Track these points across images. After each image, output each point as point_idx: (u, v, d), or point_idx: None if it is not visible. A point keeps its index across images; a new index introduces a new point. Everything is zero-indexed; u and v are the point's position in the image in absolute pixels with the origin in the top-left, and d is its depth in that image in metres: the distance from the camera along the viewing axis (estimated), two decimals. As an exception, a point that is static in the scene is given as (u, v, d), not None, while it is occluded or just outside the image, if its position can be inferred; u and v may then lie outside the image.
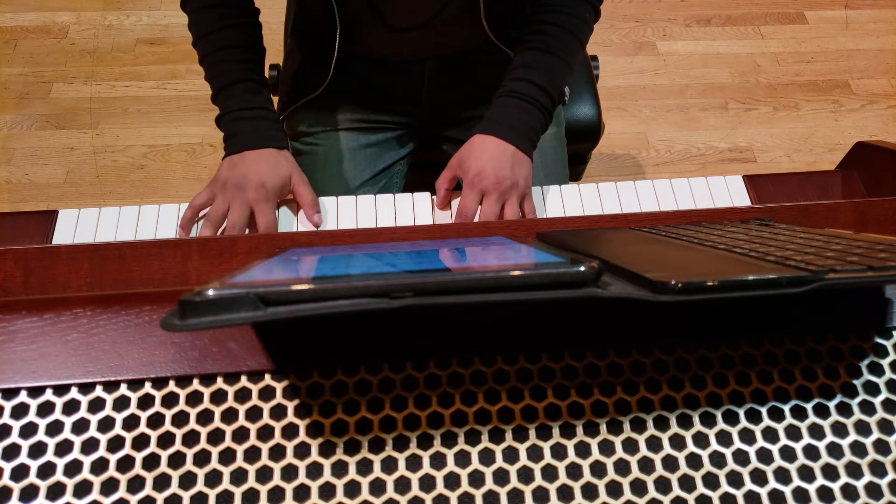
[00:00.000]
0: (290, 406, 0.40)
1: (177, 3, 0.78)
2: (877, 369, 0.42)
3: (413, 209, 0.72)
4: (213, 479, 0.38)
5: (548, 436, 0.40)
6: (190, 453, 0.38)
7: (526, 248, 0.43)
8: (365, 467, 0.38)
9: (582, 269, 0.33)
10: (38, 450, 0.38)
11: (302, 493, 0.38)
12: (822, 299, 0.44)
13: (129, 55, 1.79)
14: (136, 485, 0.37)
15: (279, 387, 0.40)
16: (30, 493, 0.37)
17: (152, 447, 0.38)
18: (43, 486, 0.37)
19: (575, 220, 0.62)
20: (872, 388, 0.42)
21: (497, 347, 0.42)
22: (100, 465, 0.38)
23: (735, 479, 0.39)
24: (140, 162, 1.62)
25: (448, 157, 0.78)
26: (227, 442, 0.39)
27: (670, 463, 0.39)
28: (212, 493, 0.37)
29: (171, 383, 0.40)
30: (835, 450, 0.40)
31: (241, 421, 0.39)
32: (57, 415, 0.39)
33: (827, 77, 1.85)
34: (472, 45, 0.86)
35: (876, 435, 0.41)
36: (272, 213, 0.71)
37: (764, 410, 0.41)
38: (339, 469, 0.38)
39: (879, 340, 0.43)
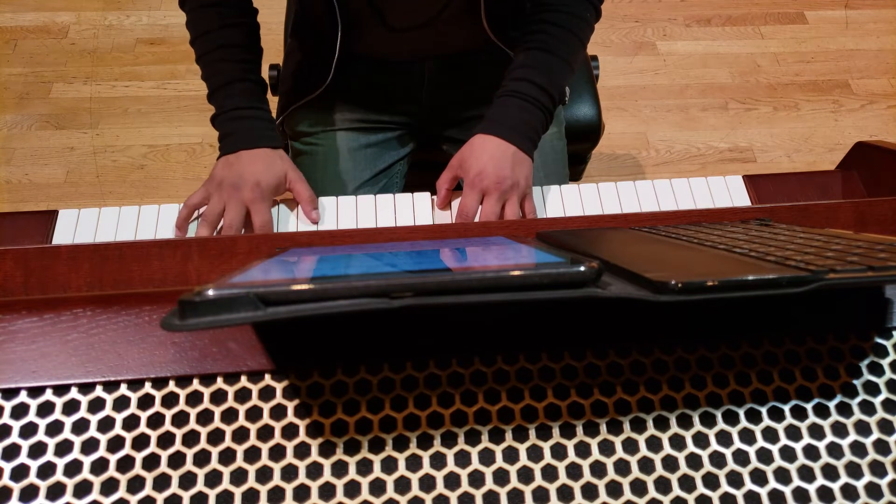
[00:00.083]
0: (290, 406, 0.40)
1: (176, 2, 0.78)
2: (877, 369, 0.42)
3: (413, 209, 0.72)
4: (213, 479, 0.38)
5: (548, 436, 0.40)
6: (190, 453, 0.38)
7: (526, 248, 0.43)
8: (365, 467, 0.38)
9: (582, 269, 0.33)
10: (38, 450, 0.38)
11: (302, 493, 0.38)
12: (822, 299, 0.44)
13: (129, 55, 1.79)
14: (136, 485, 0.37)
15: (279, 387, 0.40)
16: (30, 493, 0.37)
17: (152, 447, 0.38)
18: (43, 486, 0.37)
19: (575, 220, 0.62)
20: (872, 388, 0.42)
21: (497, 347, 0.42)
22: (100, 465, 0.38)
23: (735, 479, 0.39)
24: (140, 162, 1.62)
25: (448, 157, 0.78)
26: (227, 442, 0.39)
27: (670, 463, 0.39)
28: (212, 494, 0.37)
29: (171, 383, 0.40)
30: (835, 450, 0.40)
31: (241, 421, 0.39)
32: (57, 415, 0.39)
33: (827, 77, 1.85)
34: (473, 45, 0.86)
35: (876, 435, 0.41)
36: (268, 212, 0.71)
37: (764, 410, 0.41)
38: (339, 469, 0.38)
39: (879, 340, 0.43)
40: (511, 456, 0.39)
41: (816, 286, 0.33)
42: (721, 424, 0.40)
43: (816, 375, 0.42)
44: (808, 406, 0.41)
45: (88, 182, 1.58)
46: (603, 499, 0.38)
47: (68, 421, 0.39)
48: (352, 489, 0.38)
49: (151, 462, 0.38)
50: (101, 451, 0.38)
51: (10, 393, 0.39)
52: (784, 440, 0.40)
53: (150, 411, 0.39)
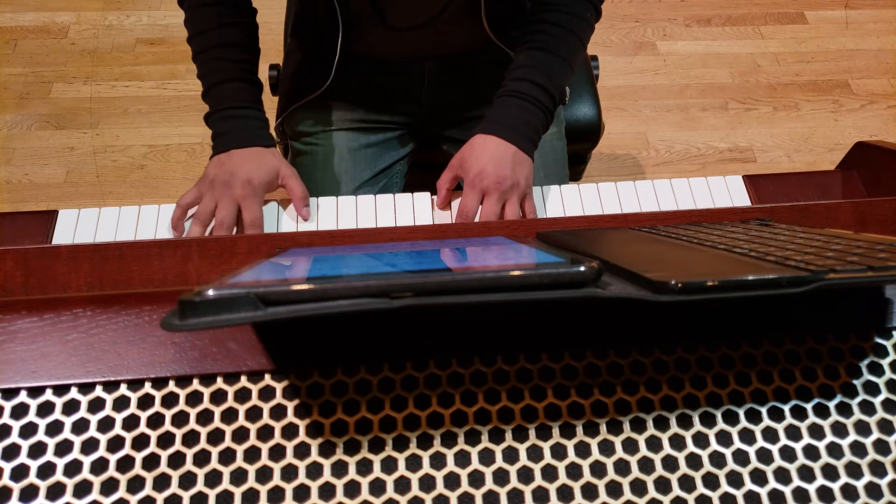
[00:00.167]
0: (290, 406, 0.40)
1: (176, 2, 0.78)
2: (877, 369, 0.42)
3: (413, 209, 0.72)
4: (213, 479, 0.38)
5: (548, 436, 0.40)
6: (190, 453, 0.38)
7: (526, 248, 0.43)
8: (365, 467, 0.38)
9: (582, 269, 0.33)
10: (38, 450, 0.38)
11: (302, 493, 0.38)
12: (822, 299, 0.44)
13: (129, 55, 1.79)
14: (136, 485, 0.37)
15: (279, 387, 0.40)
16: (30, 493, 0.37)
17: (152, 447, 0.38)
18: (43, 486, 0.37)
19: (575, 220, 0.62)
20: (872, 388, 0.42)
21: (497, 347, 0.42)
22: (100, 465, 0.38)
23: (735, 479, 0.39)
24: (140, 162, 1.62)
25: (448, 157, 0.78)
26: (227, 442, 0.39)
27: (670, 463, 0.39)
28: (212, 494, 0.37)
29: (171, 383, 0.40)
30: (835, 450, 0.40)
31: (241, 421, 0.39)
32: (57, 415, 0.39)
33: (827, 77, 1.85)
34: (473, 45, 0.86)
35: (876, 435, 0.41)
36: (258, 208, 0.71)
37: (764, 410, 0.41)
38: (339, 469, 0.38)
39: (879, 340, 0.43)
40: (511, 456, 0.39)
41: (816, 286, 0.33)
42: (721, 424, 0.40)
43: (816, 375, 0.42)
44: (808, 406, 0.41)
45: (88, 182, 1.58)
46: (603, 499, 0.38)
47: (68, 421, 0.39)
48: (352, 489, 0.38)
49: (151, 462, 0.38)
50: (101, 451, 0.38)
51: (10, 393, 0.39)
52: (784, 440, 0.40)
53: (150, 411, 0.39)
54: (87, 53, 1.79)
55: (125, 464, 0.38)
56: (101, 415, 0.39)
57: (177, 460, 0.38)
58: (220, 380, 0.40)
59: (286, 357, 0.41)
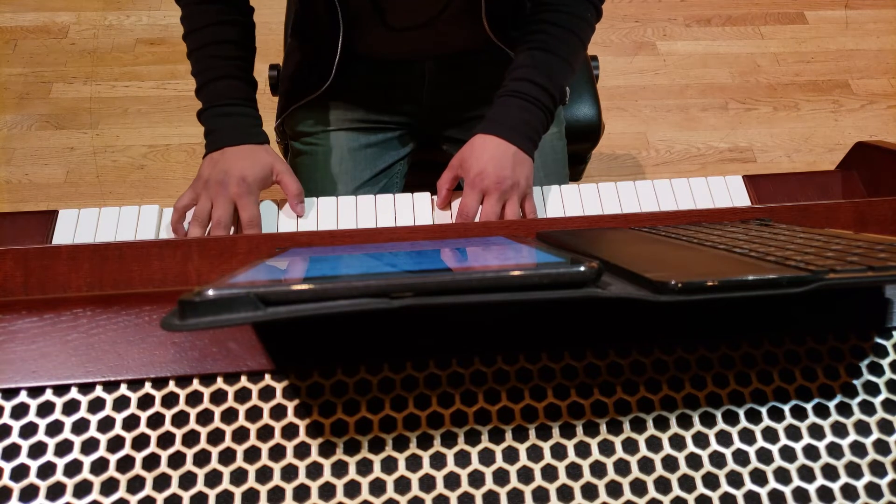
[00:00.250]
0: (290, 406, 0.40)
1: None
2: (877, 369, 0.42)
3: (413, 209, 0.72)
4: (213, 479, 0.38)
5: (548, 436, 0.40)
6: (190, 453, 0.38)
7: (526, 249, 0.43)
8: (365, 467, 0.38)
9: (582, 269, 0.33)
10: (38, 450, 0.38)
11: (302, 493, 0.38)
12: (822, 299, 0.44)
13: (129, 55, 1.79)
14: (136, 485, 0.37)
15: (279, 387, 0.40)
16: (30, 493, 0.37)
17: (152, 447, 0.38)
18: (43, 486, 0.37)
19: (575, 220, 0.62)
20: (872, 388, 0.42)
21: (497, 347, 0.42)
22: (100, 465, 0.38)
23: (735, 479, 0.39)
24: (140, 162, 1.62)
25: (448, 157, 0.78)
26: (227, 442, 0.39)
27: (670, 463, 0.39)
28: (212, 494, 0.37)
29: (171, 383, 0.40)
30: (835, 450, 0.40)
31: (241, 421, 0.39)
32: (57, 415, 0.39)
33: (827, 77, 1.85)
34: (473, 45, 0.86)
35: (876, 435, 0.41)
36: (255, 206, 0.71)
37: (764, 410, 0.41)
38: (339, 469, 0.38)
39: (879, 340, 0.43)
40: (511, 456, 0.39)
41: (816, 286, 0.33)
42: (721, 424, 0.40)
43: (816, 375, 0.42)
44: (808, 406, 0.41)
45: (88, 182, 1.58)
46: (603, 499, 0.38)
47: (68, 421, 0.39)
48: (352, 489, 0.38)
49: (151, 462, 0.38)
50: (101, 451, 0.38)
51: (10, 393, 0.39)
52: (784, 440, 0.40)
53: (150, 411, 0.39)
54: (87, 53, 1.79)
55: (125, 464, 0.38)
56: (101, 415, 0.39)
57: (177, 460, 0.38)
58: (220, 380, 0.40)
59: (286, 357, 0.41)
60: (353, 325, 0.42)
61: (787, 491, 0.39)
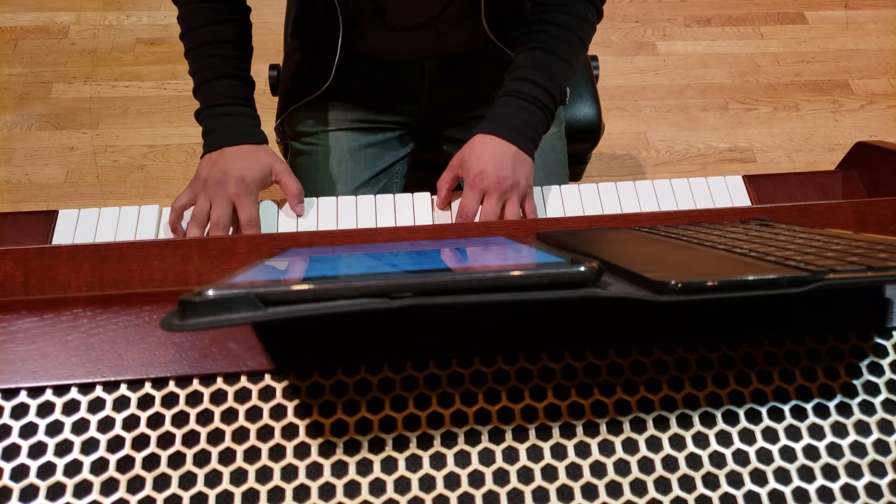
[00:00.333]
0: (290, 406, 0.40)
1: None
2: (877, 369, 0.42)
3: (413, 209, 0.72)
4: (213, 479, 0.38)
5: (548, 436, 0.40)
6: (190, 453, 0.38)
7: (526, 249, 0.43)
8: (365, 467, 0.38)
9: (582, 269, 0.33)
10: (38, 450, 0.38)
11: (302, 493, 0.38)
12: (822, 299, 0.44)
13: (129, 55, 1.79)
14: (136, 485, 0.37)
15: (279, 387, 0.40)
16: (30, 493, 0.37)
17: (152, 447, 0.38)
18: (43, 486, 0.37)
19: (575, 220, 0.62)
20: (872, 388, 0.42)
21: (497, 347, 0.42)
22: (100, 466, 0.38)
23: (735, 480, 0.39)
24: (140, 162, 1.62)
25: (448, 157, 0.78)
26: (227, 442, 0.39)
27: (670, 463, 0.39)
28: (212, 494, 0.37)
29: (171, 383, 0.40)
30: (835, 450, 0.40)
31: (241, 421, 0.39)
32: (57, 415, 0.39)
33: (827, 77, 1.85)
34: (473, 46, 0.86)
35: (876, 435, 0.41)
36: (254, 206, 0.71)
37: (764, 410, 0.41)
38: (339, 469, 0.38)
39: (879, 340, 0.43)
40: (511, 456, 0.39)
41: (816, 286, 0.33)
42: (721, 424, 0.40)
43: (816, 375, 0.42)
44: (808, 406, 0.41)
45: (88, 182, 1.58)
46: (603, 499, 0.38)
47: (68, 421, 0.39)
48: (352, 489, 0.38)
49: (151, 462, 0.38)
50: (101, 451, 0.38)
51: (10, 393, 0.39)
52: (784, 440, 0.40)
53: (150, 411, 0.39)
54: (87, 53, 1.79)
55: (125, 464, 0.38)
56: (101, 415, 0.39)
57: (177, 460, 0.38)
58: (220, 380, 0.40)
59: (286, 357, 0.41)
60: (353, 325, 0.42)
61: (787, 491, 0.39)
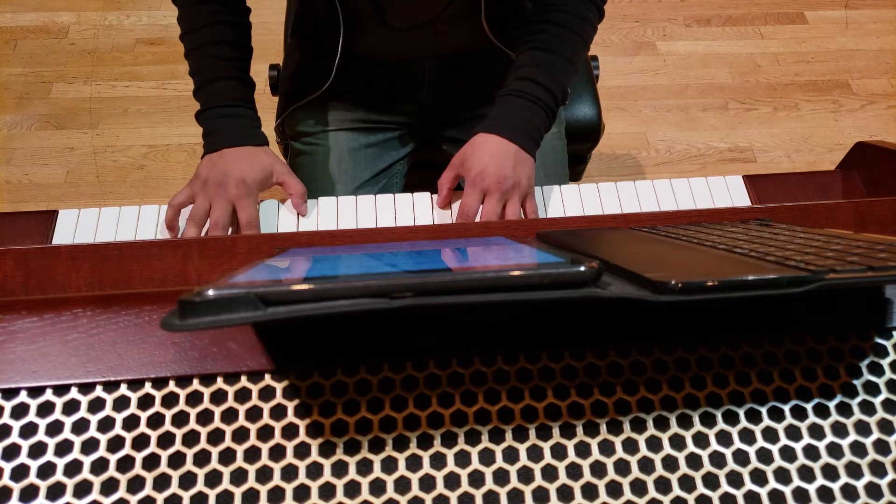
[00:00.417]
0: (290, 406, 0.40)
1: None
2: (877, 369, 0.42)
3: (413, 209, 0.72)
4: (213, 479, 0.38)
5: (548, 436, 0.40)
6: (190, 453, 0.38)
7: (526, 249, 0.43)
8: (365, 467, 0.38)
9: (582, 269, 0.33)
10: (38, 450, 0.38)
11: (302, 493, 0.38)
12: (822, 299, 0.44)
13: (129, 55, 1.79)
14: (136, 485, 0.37)
15: (279, 387, 0.40)
16: (30, 493, 0.37)
17: (152, 447, 0.38)
18: (43, 486, 0.37)
19: (575, 220, 0.62)
20: (872, 388, 0.42)
21: (497, 347, 0.42)
22: (100, 465, 0.38)
23: (735, 479, 0.39)
24: (140, 162, 1.62)
25: (448, 157, 0.78)
26: (227, 442, 0.39)
27: (670, 463, 0.39)
28: (212, 494, 0.37)
29: (171, 383, 0.40)
30: (835, 450, 0.40)
31: (241, 421, 0.39)
32: (57, 415, 0.39)
33: (827, 77, 1.85)
34: (473, 46, 0.86)
35: (876, 435, 0.41)
36: (254, 208, 0.71)
37: (764, 410, 0.41)
38: (339, 469, 0.38)
39: (879, 340, 0.43)
40: (511, 456, 0.39)
41: (816, 286, 0.33)
42: (721, 424, 0.40)
43: (816, 375, 0.42)
44: (808, 406, 0.41)
45: (88, 182, 1.58)
46: (603, 499, 0.38)
47: (68, 421, 0.39)
48: (352, 489, 0.38)
49: (151, 462, 0.38)
50: (101, 451, 0.38)
51: (10, 393, 0.39)
52: (784, 440, 0.40)
53: (150, 411, 0.39)
54: (87, 53, 1.79)
55: (125, 464, 0.38)
56: (101, 415, 0.39)
57: (177, 460, 0.38)
58: (220, 380, 0.40)
59: (286, 357, 0.41)
60: (353, 325, 0.42)
61: (787, 491, 0.39)
